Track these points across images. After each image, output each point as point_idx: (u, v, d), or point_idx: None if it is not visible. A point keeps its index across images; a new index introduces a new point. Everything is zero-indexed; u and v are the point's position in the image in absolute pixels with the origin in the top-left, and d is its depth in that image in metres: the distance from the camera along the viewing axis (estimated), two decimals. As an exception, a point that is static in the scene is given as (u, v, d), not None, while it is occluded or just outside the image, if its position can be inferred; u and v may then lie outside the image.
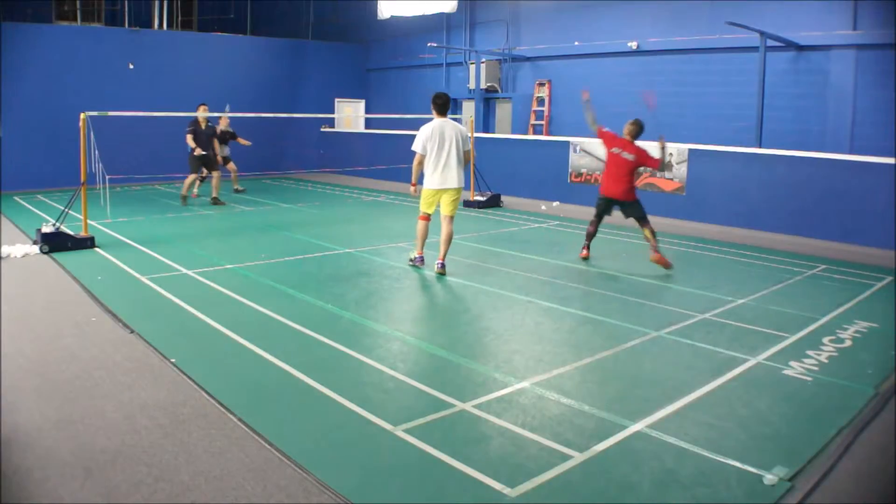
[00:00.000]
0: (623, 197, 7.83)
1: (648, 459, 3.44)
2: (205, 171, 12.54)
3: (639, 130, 7.83)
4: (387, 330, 5.51)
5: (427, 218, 7.43)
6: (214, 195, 12.60)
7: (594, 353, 5.01)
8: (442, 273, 7.26)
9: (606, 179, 7.93)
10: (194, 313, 5.82)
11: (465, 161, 7.38)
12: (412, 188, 7.48)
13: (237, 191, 14.42)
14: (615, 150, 7.81)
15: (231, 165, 13.95)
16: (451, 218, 7.32)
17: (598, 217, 8.10)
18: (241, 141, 14.08)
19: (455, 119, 17.49)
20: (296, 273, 7.50)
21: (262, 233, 9.98)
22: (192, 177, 12.52)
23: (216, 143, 12.77)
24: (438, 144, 7.16)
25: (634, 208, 7.86)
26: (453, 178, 7.21)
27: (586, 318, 5.95)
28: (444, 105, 7.36)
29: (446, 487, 3.18)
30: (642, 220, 7.77)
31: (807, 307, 6.29)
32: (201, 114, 12.22)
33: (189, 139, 12.11)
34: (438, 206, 7.36)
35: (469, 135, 7.26)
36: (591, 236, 8.19)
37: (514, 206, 13.06)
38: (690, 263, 8.36)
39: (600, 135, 7.95)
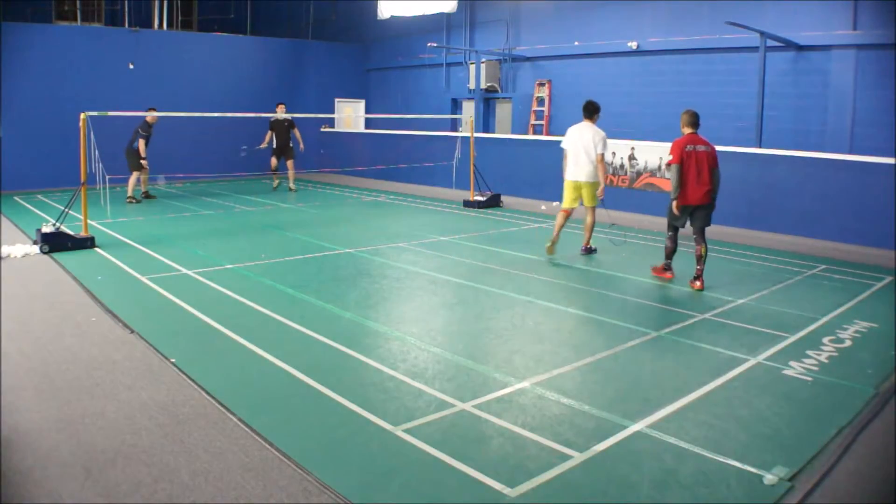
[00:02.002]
0: (705, 200, 6.97)
1: (648, 459, 3.44)
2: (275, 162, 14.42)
3: (696, 120, 7.09)
4: (387, 330, 5.51)
5: (568, 212, 8.48)
6: (144, 190, 13.52)
7: (594, 353, 5.01)
8: (589, 252, 8.60)
9: (693, 185, 6.90)
10: (194, 313, 5.82)
11: (594, 161, 8.24)
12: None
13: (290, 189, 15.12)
14: (689, 147, 6.92)
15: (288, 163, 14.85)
16: (591, 209, 8.48)
17: (676, 231, 7.25)
18: (297, 134, 14.80)
19: (455, 119, 17.55)
20: (296, 273, 7.50)
21: (262, 233, 9.98)
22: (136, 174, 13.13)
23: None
24: (574, 143, 8.32)
25: (708, 214, 7.06)
26: (582, 172, 8.28)
27: (586, 318, 5.95)
28: (586, 109, 8.49)
29: (446, 487, 3.18)
30: (703, 232, 7.03)
31: (807, 307, 6.29)
32: (150, 115, 12.69)
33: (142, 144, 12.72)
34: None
35: (602, 139, 8.30)
36: (673, 254, 7.29)
37: (514, 206, 13.06)
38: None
39: (677, 150, 6.94)
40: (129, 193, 12.86)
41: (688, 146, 6.92)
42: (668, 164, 7.02)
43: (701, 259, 6.97)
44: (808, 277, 7.62)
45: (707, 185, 6.91)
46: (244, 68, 18.29)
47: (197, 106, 15.77)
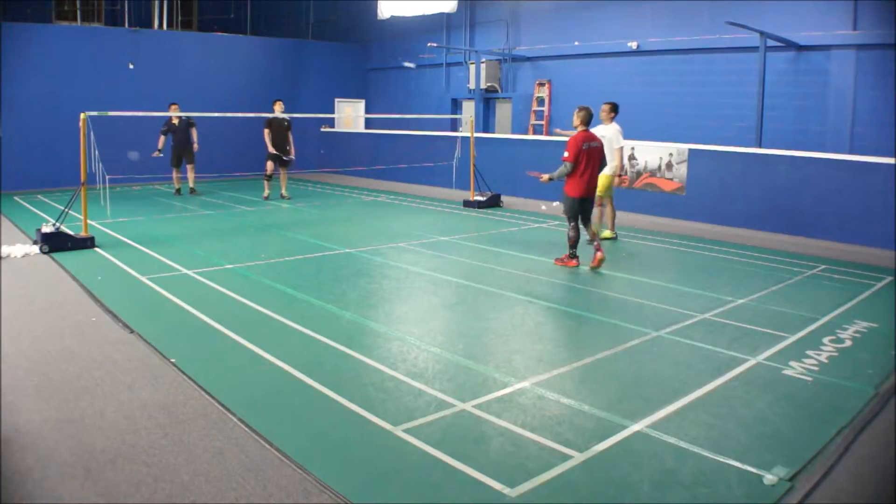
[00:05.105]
0: (591, 193, 7.82)
1: (648, 459, 3.44)
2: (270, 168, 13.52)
3: (589, 116, 7.74)
4: (387, 330, 5.51)
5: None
6: (192, 186, 14.28)
7: (594, 353, 5.01)
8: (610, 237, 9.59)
9: (585, 179, 7.60)
10: (194, 313, 5.82)
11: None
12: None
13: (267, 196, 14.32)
14: (585, 145, 7.54)
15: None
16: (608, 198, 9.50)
17: (577, 221, 7.86)
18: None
19: (455, 119, 17.56)
20: (296, 273, 7.50)
21: (262, 233, 9.98)
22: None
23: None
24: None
25: (592, 203, 8.06)
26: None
27: (586, 318, 5.95)
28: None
29: (446, 487, 3.18)
30: (589, 217, 8.00)
31: (807, 307, 6.29)
32: (173, 113, 13.37)
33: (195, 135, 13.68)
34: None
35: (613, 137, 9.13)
36: (577, 242, 7.86)
37: (514, 206, 13.06)
38: (690, 263, 8.36)
39: (574, 149, 7.53)
40: (191, 185, 14.16)
41: (584, 144, 7.52)
42: (563, 160, 7.59)
43: (596, 236, 7.93)
44: (808, 277, 7.61)
45: (595, 180, 7.76)
46: (244, 68, 18.28)
47: (197, 106, 15.75)
